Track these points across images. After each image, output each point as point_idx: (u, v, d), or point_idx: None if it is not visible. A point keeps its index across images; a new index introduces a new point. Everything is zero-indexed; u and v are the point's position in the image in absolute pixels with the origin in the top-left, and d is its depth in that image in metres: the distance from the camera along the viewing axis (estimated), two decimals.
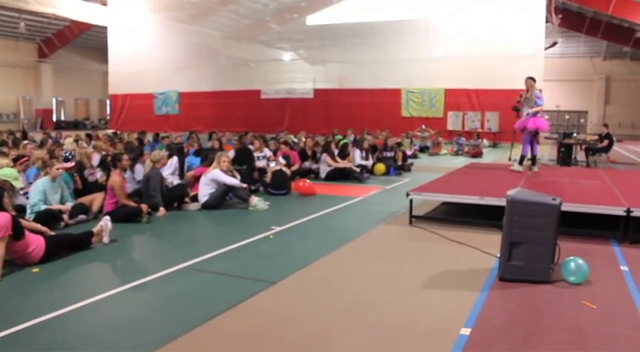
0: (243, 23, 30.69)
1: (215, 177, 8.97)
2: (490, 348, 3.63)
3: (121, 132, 23.70)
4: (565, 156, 14.59)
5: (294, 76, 30.21)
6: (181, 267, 5.59)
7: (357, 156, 13.13)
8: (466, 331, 3.89)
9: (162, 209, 8.28)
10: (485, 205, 7.26)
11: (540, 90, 10.53)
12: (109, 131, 26.54)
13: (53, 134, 19.07)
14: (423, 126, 22.24)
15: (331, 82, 28.68)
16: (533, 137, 10.60)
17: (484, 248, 6.12)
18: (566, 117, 40.10)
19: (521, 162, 10.64)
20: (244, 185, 9.25)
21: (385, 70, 25.97)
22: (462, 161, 15.70)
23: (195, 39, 30.98)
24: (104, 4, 32.40)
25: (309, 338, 3.83)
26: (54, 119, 40.95)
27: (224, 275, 5.36)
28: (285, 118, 29.57)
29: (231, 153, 10.78)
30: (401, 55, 25.15)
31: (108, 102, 38.30)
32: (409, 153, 17.02)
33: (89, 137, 16.06)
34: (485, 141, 23.32)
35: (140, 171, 9.56)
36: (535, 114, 10.26)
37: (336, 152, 12.75)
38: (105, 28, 33.09)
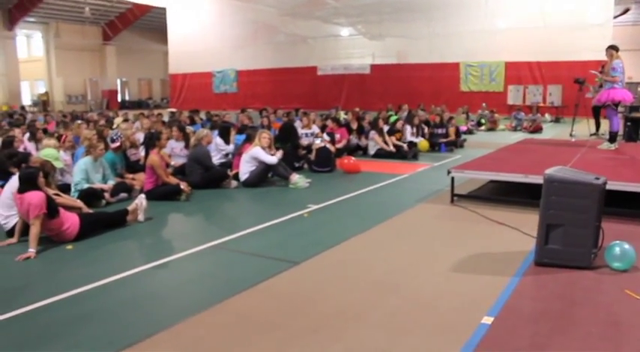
0: None
1: (255, 154, 8.89)
2: (509, 341, 3.36)
3: (181, 111, 24.06)
4: (631, 132, 13.71)
5: (352, 51, 29.79)
6: (210, 246, 5.56)
7: (407, 133, 12.78)
8: (488, 320, 3.63)
9: (184, 184, 8.07)
10: (532, 184, 6.85)
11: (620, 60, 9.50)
12: (171, 110, 27.11)
13: (115, 114, 19.55)
14: (484, 105, 21.45)
15: (389, 57, 28.09)
16: (612, 110, 9.71)
17: (525, 229, 5.78)
18: (639, 89, 37.90)
19: (612, 140, 9.63)
20: (281, 162, 9.12)
21: (444, 44, 25.16)
22: (519, 137, 15.03)
23: (252, 16, 30.95)
24: None
25: (321, 323, 3.68)
26: (119, 99, 42.17)
27: (250, 255, 5.28)
28: (342, 95, 29.28)
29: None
30: (460, 27, 24.28)
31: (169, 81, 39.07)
32: (464, 128, 16.46)
33: (144, 116, 16.32)
34: (547, 116, 22.30)
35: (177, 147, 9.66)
36: (612, 86, 9.39)
37: (385, 129, 12.43)
38: (164, 9, 33.57)
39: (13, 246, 5.63)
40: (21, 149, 9.31)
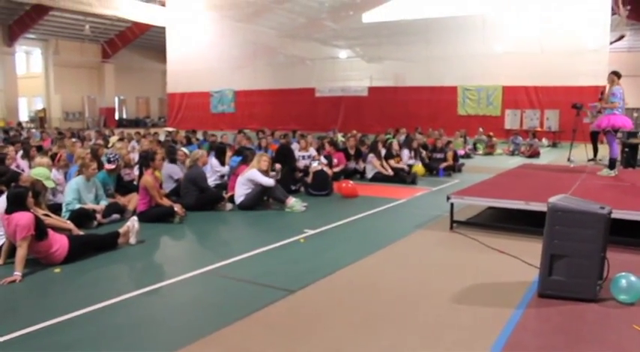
0: (299, 21, 30.59)
1: (252, 176, 8.75)
2: None
3: (178, 130, 23.97)
4: (629, 158, 13.64)
5: (350, 73, 29.89)
6: (202, 271, 5.39)
7: (405, 156, 12.68)
8: None
9: (178, 207, 7.89)
10: (532, 211, 6.72)
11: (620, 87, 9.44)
12: (168, 129, 27.03)
13: (111, 132, 19.42)
14: (480, 129, 21.41)
15: (387, 80, 28.17)
16: (612, 136, 9.62)
17: (527, 258, 5.62)
18: (634, 115, 38.03)
19: (612, 167, 9.53)
20: (277, 185, 8.98)
21: (441, 67, 25.27)
22: (517, 161, 14.96)
23: (252, 37, 31.09)
24: (163, 4, 33.01)
25: None
26: (116, 117, 42.12)
27: (244, 282, 5.11)
28: (339, 117, 29.28)
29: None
30: (457, 51, 24.39)
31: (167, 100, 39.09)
32: (462, 152, 16.38)
33: (140, 135, 16.21)
34: (545, 141, 22.27)
35: (175, 170, 9.49)
36: (612, 112, 9.33)
37: (383, 152, 12.33)
38: (164, 28, 33.70)
39: None
40: (14, 167, 9.17)
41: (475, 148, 19.20)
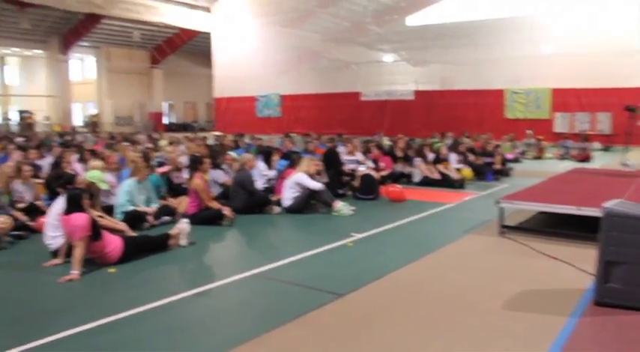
0: (343, 25, 30.59)
1: (299, 180, 8.81)
2: None
3: (225, 134, 24.34)
4: None
5: (395, 77, 29.68)
6: (251, 274, 5.46)
7: (452, 161, 12.54)
8: None
9: (227, 209, 8.03)
10: (585, 216, 6.55)
11: None
12: (216, 133, 27.48)
13: (160, 136, 19.87)
14: (529, 133, 20.96)
15: (433, 83, 27.88)
16: None
17: (581, 264, 5.48)
18: None
19: None
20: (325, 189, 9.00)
21: (488, 70, 24.84)
22: (568, 166, 14.58)
23: (296, 42, 31.27)
24: (208, 11, 33.58)
25: None
26: (165, 122, 42.99)
27: (292, 285, 5.15)
28: (385, 120, 29.13)
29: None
30: (505, 54, 23.94)
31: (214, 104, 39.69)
32: (510, 156, 16.09)
33: (189, 139, 16.52)
34: (596, 144, 21.64)
35: (218, 174, 9.62)
36: None
37: (430, 156, 12.22)
38: (209, 34, 34.28)
39: (58, 267, 5.66)
40: (70, 170, 9.47)
41: (524, 152, 18.84)
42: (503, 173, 13.02)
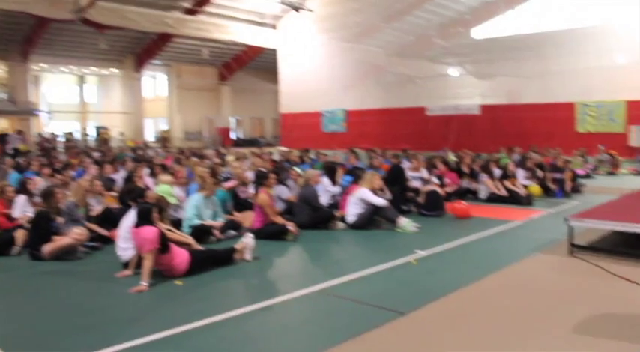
0: (408, 39, 30.53)
1: (363, 196, 8.81)
2: None
3: (290, 149, 24.66)
4: None
5: (460, 91, 29.28)
6: (313, 290, 5.49)
7: (520, 177, 12.23)
8: None
9: (291, 225, 8.11)
10: None
11: None
12: (281, 148, 27.89)
13: (227, 151, 20.33)
14: (601, 147, 20.17)
15: (499, 97, 27.30)
16: None
17: None
18: None
19: None
20: (389, 205, 8.95)
21: (557, 83, 24.10)
22: None
23: (361, 57, 31.41)
24: (274, 28, 34.25)
25: None
26: (232, 137, 43.98)
27: (354, 302, 5.15)
28: (450, 135, 28.74)
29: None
30: (575, 65, 23.16)
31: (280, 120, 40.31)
32: (581, 172, 15.52)
33: (255, 154, 16.81)
34: None
35: (282, 190, 9.72)
36: None
37: (496, 172, 11.97)
38: (275, 50, 34.92)
39: (128, 278, 5.89)
40: (142, 184, 9.84)
41: (596, 168, 18.14)
42: (573, 189, 12.57)
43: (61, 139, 34.75)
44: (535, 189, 11.98)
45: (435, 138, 28.08)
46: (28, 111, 34.11)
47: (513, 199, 11.13)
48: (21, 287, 5.99)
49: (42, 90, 42.50)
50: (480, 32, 27.73)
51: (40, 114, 38.13)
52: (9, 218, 8.32)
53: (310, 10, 31.41)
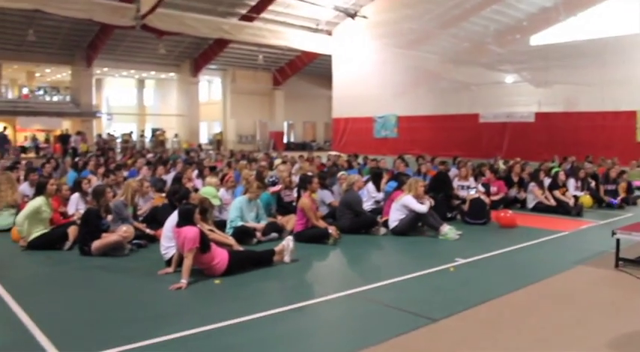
0: (463, 46, 30.17)
1: (405, 202, 8.78)
2: None
3: (340, 154, 24.74)
4: None
5: (516, 99, 28.67)
6: (348, 293, 5.54)
7: (571, 186, 11.92)
8: None
9: (333, 229, 8.16)
10: None
11: None
12: (331, 153, 28.00)
13: (279, 154, 20.58)
14: None
15: (556, 105, 26.61)
16: None
17: None
18: None
19: None
20: (431, 212, 8.88)
21: (618, 90, 23.27)
22: None
23: (414, 63, 31.21)
24: (329, 34, 34.46)
25: None
26: (285, 141, 44.45)
27: (386, 307, 5.17)
28: (504, 143, 28.20)
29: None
30: (636, 72, 22.40)
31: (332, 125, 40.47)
32: (638, 184, 14.96)
33: (303, 158, 16.94)
34: None
35: (326, 194, 9.78)
36: None
37: (546, 182, 11.71)
38: (330, 56, 35.12)
39: (170, 275, 6.09)
40: (190, 185, 10.09)
41: None
42: (628, 201, 12.16)
43: (119, 140, 35.98)
44: (586, 199, 11.65)
45: (488, 145, 27.62)
46: (90, 114, 35.48)
47: (562, 209, 10.87)
48: (70, 281, 6.29)
49: (103, 94, 44.16)
50: (537, 39, 27.16)
51: (101, 116, 39.59)
52: (64, 215, 8.76)
53: (365, 17, 31.51)
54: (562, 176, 11.75)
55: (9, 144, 27.33)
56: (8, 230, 8.46)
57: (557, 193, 11.30)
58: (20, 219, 7.42)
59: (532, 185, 11.45)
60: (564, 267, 6.67)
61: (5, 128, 30.73)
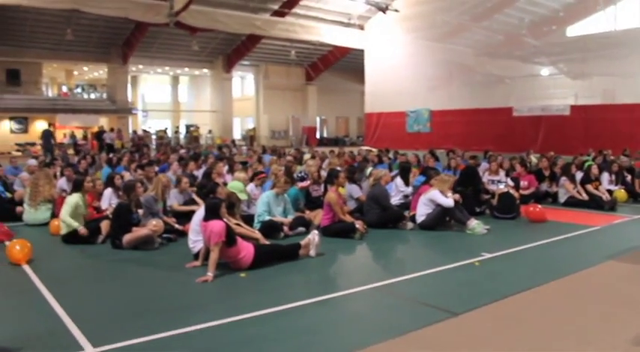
0: (497, 39, 29.76)
1: (432, 196, 8.76)
2: None
3: (371, 148, 24.73)
4: None
5: (552, 91, 28.16)
6: (371, 287, 5.59)
7: (604, 181, 11.69)
8: None
9: (360, 223, 8.19)
10: None
11: None
12: (363, 147, 28.00)
13: (308, 149, 20.68)
14: None
15: (593, 97, 26.03)
16: None
17: None
18: None
19: None
20: (458, 207, 8.83)
21: None
22: None
23: (447, 57, 30.91)
24: (361, 28, 34.37)
25: None
26: (317, 136, 44.57)
27: (409, 300, 5.20)
28: (538, 137, 27.73)
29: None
30: None
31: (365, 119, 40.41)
32: None
33: (334, 154, 16.98)
34: None
35: (354, 189, 9.80)
36: None
37: (578, 176, 11.50)
38: (362, 51, 35.03)
39: (197, 268, 6.22)
40: (221, 180, 10.23)
41: None
42: None
43: (154, 136, 36.59)
44: (621, 193, 11.41)
45: (522, 139, 27.17)
46: (126, 110, 36.22)
47: (595, 204, 10.67)
48: (101, 273, 6.50)
49: (139, 91, 44.98)
50: (574, 29, 26.60)
51: (137, 112, 40.33)
52: (97, 209, 9.02)
53: (396, 10, 31.31)
54: (595, 170, 11.52)
55: (54, 142, 28.05)
56: (46, 224, 8.79)
57: (589, 187, 11.09)
58: (64, 216, 7.69)
59: (563, 179, 11.27)
60: (593, 262, 6.57)
61: (50, 125, 31.67)
